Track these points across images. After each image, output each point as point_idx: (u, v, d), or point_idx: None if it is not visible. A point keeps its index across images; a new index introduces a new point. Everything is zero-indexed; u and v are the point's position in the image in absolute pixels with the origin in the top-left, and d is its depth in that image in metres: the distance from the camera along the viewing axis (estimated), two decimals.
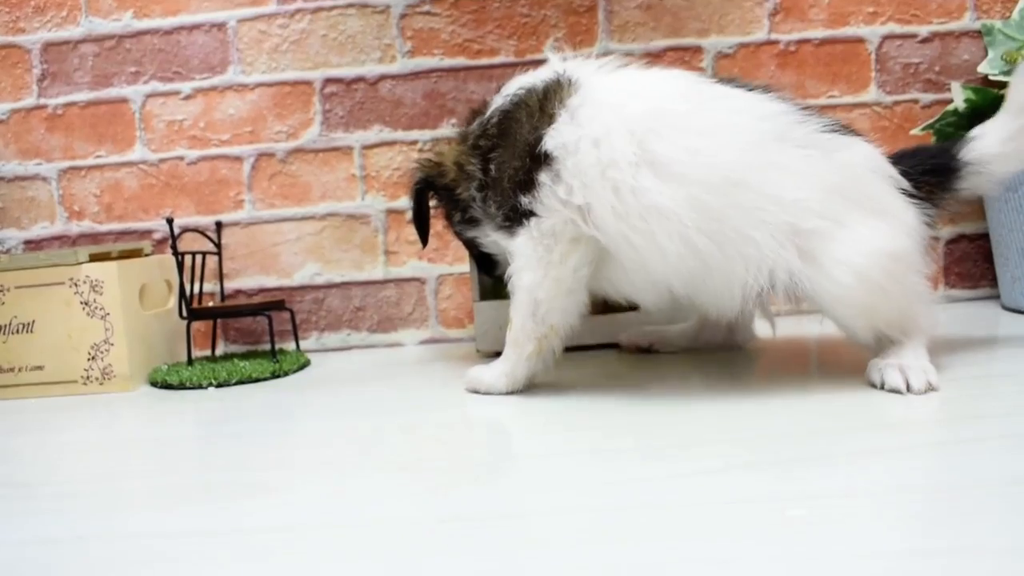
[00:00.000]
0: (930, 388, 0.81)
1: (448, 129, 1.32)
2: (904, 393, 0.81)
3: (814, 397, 0.84)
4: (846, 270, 0.82)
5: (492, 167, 0.93)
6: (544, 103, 0.90)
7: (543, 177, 0.87)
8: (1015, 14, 1.31)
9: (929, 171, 0.90)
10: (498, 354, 0.97)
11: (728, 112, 0.86)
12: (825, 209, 0.83)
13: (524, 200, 0.89)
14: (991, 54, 1.32)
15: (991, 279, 1.35)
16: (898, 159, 0.91)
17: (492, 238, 0.96)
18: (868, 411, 0.78)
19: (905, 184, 0.87)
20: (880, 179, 0.87)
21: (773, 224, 0.82)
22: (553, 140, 0.87)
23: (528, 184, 0.88)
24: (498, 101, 0.96)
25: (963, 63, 1.35)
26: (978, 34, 1.35)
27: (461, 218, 1.01)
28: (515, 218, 0.90)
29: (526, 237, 0.90)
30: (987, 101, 1.26)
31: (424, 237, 1.08)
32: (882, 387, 0.83)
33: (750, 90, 0.89)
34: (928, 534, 0.50)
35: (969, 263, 1.37)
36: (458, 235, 1.05)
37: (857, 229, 0.83)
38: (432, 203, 1.06)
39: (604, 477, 0.64)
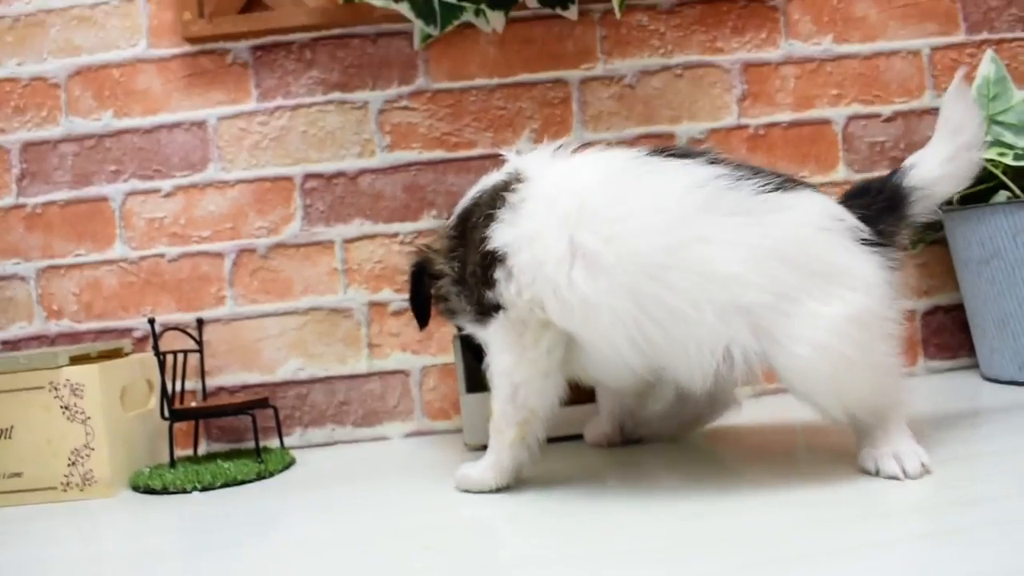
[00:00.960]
0: (925, 471, 0.82)
1: (429, 221, 1.34)
2: (902, 479, 0.81)
3: (804, 485, 0.84)
4: (803, 345, 0.79)
5: (459, 266, 0.95)
6: (493, 202, 0.92)
7: (498, 274, 0.89)
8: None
9: (884, 208, 0.88)
10: (486, 447, 0.96)
11: (651, 192, 0.84)
12: (766, 281, 0.80)
13: (489, 295, 0.90)
14: None
15: (969, 349, 1.36)
16: (850, 202, 0.88)
17: (468, 330, 0.97)
18: (861, 499, 0.78)
19: (865, 231, 0.84)
20: (830, 235, 0.83)
21: (714, 302, 0.80)
22: (498, 239, 0.89)
23: (488, 281, 0.90)
24: (462, 202, 0.99)
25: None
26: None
27: (444, 307, 1.02)
28: (485, 311, 0.92)
29: (497, 325, 0.91)
30: None
31: (424, 320, 1.06)
32: (877, 474, 0.83)
33: (688, 157, 0.87)
34: None
35: (947, 334, 1.39)
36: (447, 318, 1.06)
37: (808, 298, 0.80)
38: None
39: None
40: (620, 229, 0.83)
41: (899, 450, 0.83)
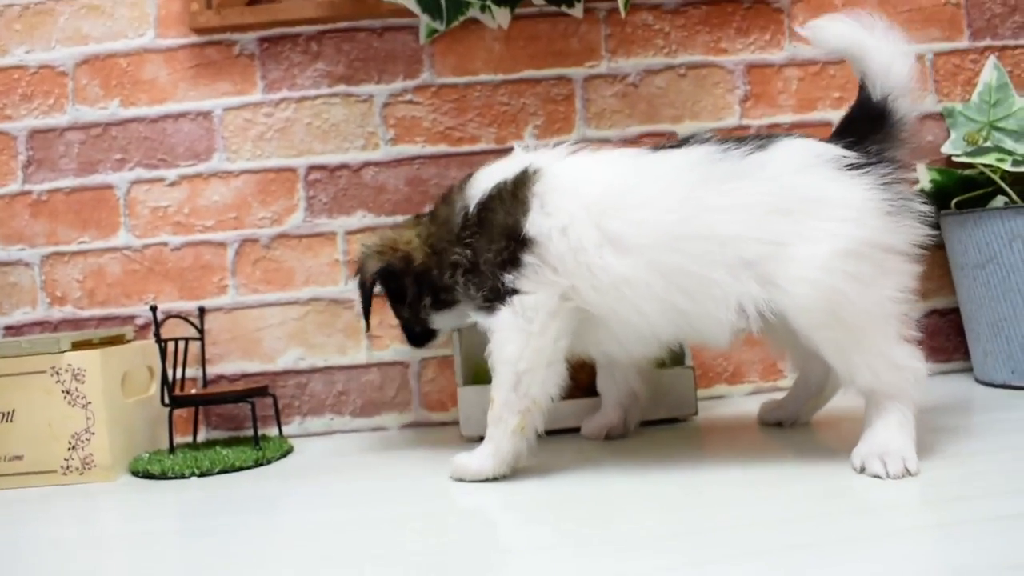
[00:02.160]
0: (906, 473, 0.82)
1: None
2: (883, 479, 0.82)
3: (796, 480, 0.85)
4: (800, 285, 0.85)
5: (472, 253, 0.98)
6: (516, 192, 0.97)
7: (528, 258, 0.93)
8: (974, 97, 1.37)
9: (866, 127, 0.92)
10: (483, 438, 0.97)
11: (659, 178, 0.93)
12: (764, 233, 0.87)
13: (508, 278, 0.94)
14: (953, 135, 1.37)
15: (963, 352, 1.37)
16: (840, 134, 0.93)
17: (473, 318, 0.99)
18: (852, 494, 0.79)
19: (849, 156, 0.88)
20: (812, 172, 0.88)
21: (723, 262, 0.88)
22: (532, 227, 0.94)
23: (513, 263, 0.94)
24: (473, 194, 1.01)
25: (927, 144, 1.40)
26: (940, 116, 1.40)
27: (433, 300, 1.06)
28: (496, 297, 0.95)
29: (507, 311, 0.94)
30: (952, 181, 1.31)
31: (369, 321, 1.12)
32: (863, 472, 0.85)
33: (681, 146, 0.95)
34: None
35: (941, 337, 1.40)
36: (412, 315, 1.10)
37: (801, 240, 0.85)
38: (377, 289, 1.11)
39: (592, 573, 0.64)
40: (639, 214, 0.91)
41: (887, 450, 0.84)
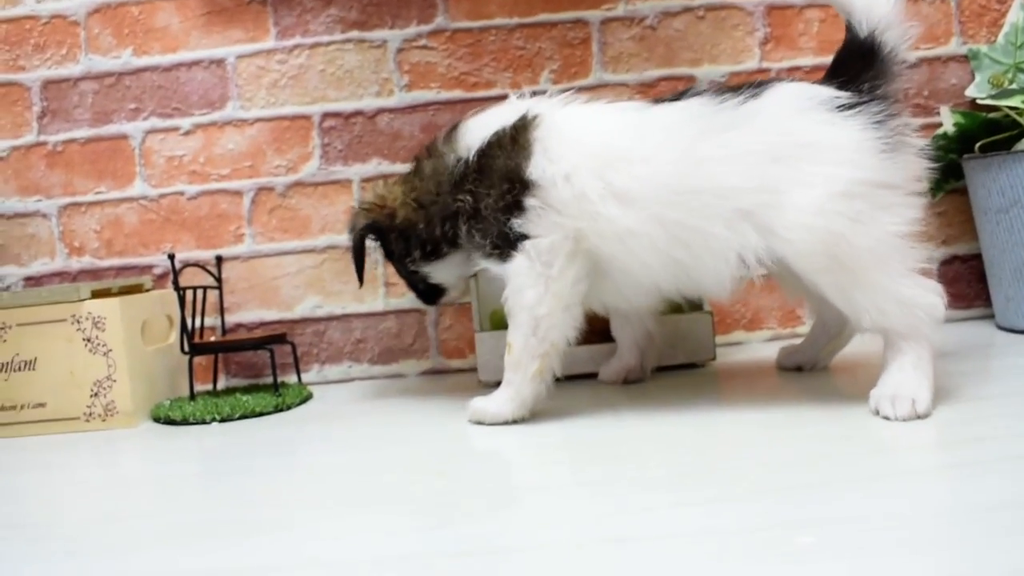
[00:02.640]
0: (914, 416, 0.82)
1: None
2: (891, 420, 0.82)
3: (812, 422, 0.85)
4: (797, 231, 0.85)
5: (473, 199, 0.97)
6: (517, 137, 0.96)
7: (532, 201, 0.93)
8: (1000, 38, 1.34)
9: (859, 66, 0.90)
10: (500, 384, 0.97)
11: (659, 130, 0.92)
12: (759, 182, 0.86)
13: (516, 223, 0.94)
14: (978, 78, 1.34)
15: (985, 299, 1.36)
16: (831, 75, 0.92)
17: (483, 265, 0.99)
18: (868, 436, 0.79)
19: (841, 96, 0.87)
20: (805, 115, 0.87)
21: (722, 214, 0.88)
22: (536, 170, 0.94)
23: (518, 207, 0.94)
24: (470, 142, 1.00)
25: (951, 87, 1.37)
26: (965, 59, 1.37)
27: (422, 253, 1.06)
28: (507, 244, 0.95)
29: (523, 257, 0.94)
30: (976, 124, 1.29)
31: (362, 277, 1.12)
32: (877, 414, 0.84)
33: (680, 98, 0.95)
34: (935, 559, 0.51)
35: (963, 284, 1.39)
36: (407, 271, 1.10)
37: (796, 186, 0.85)
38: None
39: (607, 509, 0.65)
40: (641, 169, 0.91)
41: (898, 392, 0.84)
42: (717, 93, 0.92)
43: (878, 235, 0.84)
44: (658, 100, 0.97)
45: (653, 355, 1.14)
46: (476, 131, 1.00)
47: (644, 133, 0.93)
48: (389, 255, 1.11)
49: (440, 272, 1.08)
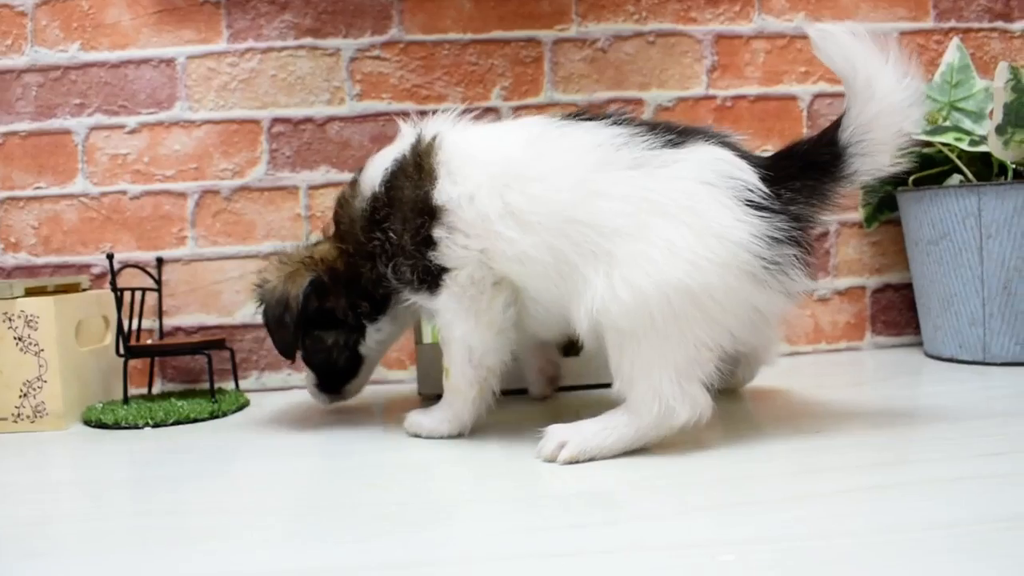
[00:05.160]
0: (550, 459, 0.83)
1: None
2: (536, 457, 0.84)
3: (741, 442, 0.86)
4: (627, 288, 0.80)
5: (393, 235, 0.95)
6: (420, 163, 0.94)
7: (439, 231, 0.91)
8: (936, 77, 1.39)
9: (805, 170, 0.83)
10: (439, 396, 0.98)
11: (561, 152, 0.87)
12: (639, 230, 0.81)
13: (432, 256, 0.92)
14: None
15: (915, 327, 1.40)
16: (779, 157, 0.86)
17: (414, 299, 0.96)
18: (795, 456, 0.81)
19: (757, 190, 0.81)
20: (709, 191, 0.81)
21: (597, 254, 0.83)
22: (441, 195, 0.91)
23: (429, 241, 0.91)
24: (374, 176, 0.98)
25: None
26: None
27: (371, 306, 1.03)
28: (430, 278, 0.93)
29: (449, 292, 0.92)
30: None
31: (295, 350, 1.05)
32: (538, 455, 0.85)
33: (594, 120, 0.89)
34: None
35: (895, 311, 1.43)
36: (326, 345, 1.04)
37: (659, 250, 0.80)
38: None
39: (536, 524, 0.65)
40: (538, 189, 0.86)
41: (555, 432, 0.84)
42: (635, 126, 0.87)
43: (685, 334, 0.80)
44: (570, 115, 0.92)
45: (558, 379, 1.17)
46: (377, 167, 0.98)
47: (545, 152, 0.88)
48: (323, 323, 1.03)
49: (380, 330, 1.04)
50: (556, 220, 0.85)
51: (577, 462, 0.82)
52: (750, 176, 0.82)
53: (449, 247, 0.90)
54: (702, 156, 0.83)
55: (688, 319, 0.80)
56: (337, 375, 1.07)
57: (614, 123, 0.88)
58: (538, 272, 0.88)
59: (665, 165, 0.83)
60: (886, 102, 0.80)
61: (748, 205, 0.80)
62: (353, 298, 1.02)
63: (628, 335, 0.81)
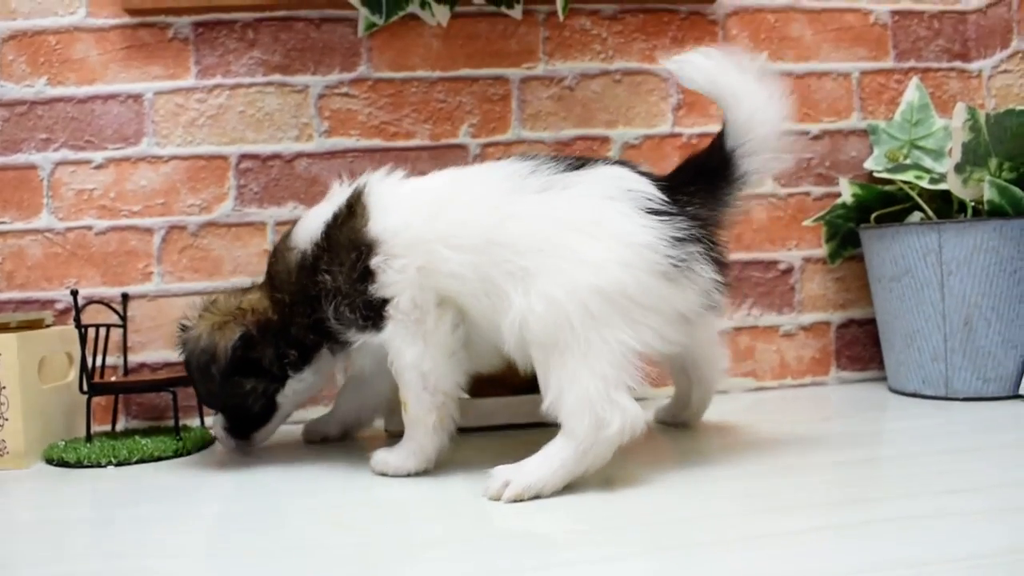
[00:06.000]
0: (495, 497, 0.83)
1: None
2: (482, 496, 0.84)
3: (701, 480, 0.87)
4: (541, 300, 0.84)
5: (331, 278, 0.97)
6: (354, 207, 0.99)
7: (376, 260, 0.94)
8: (897, 115, 1.42)
9: (699, 176, 0.90)
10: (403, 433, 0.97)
11: (477, 185, 0.94)
12: (550, 247, 0.86)
13: (372, 289, 0.94)
14: (876, 152, 1.42)
15: (879, 362, 1.42)
16: (677, 172, 0.94)
17: (361, 340, 0.98)
18: (756, 494, 0.81)
19: (654, 199, 0.87)
20: (611, 203, 0.87)
21: (514, 273, 0.87)
22: (375, 226, 0.96)
23: (367, 273, 0.94)
24: (312, 227, 1.01)
25: (851, 159, 1.45)
26: (864, 133, 1.45)
27: (299, 354, 1.03)
28: (373, 313, 0.95)
29: (394, 322, 0.94)
30: (872, 196, 1.36)
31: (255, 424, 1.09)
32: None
33: (503, 160, 0.98)
34: None
35: (859, 347, 1.45)
36: (244, 391, 1.04)
37: (569, 263, 0.84)
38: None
39: (504, 565, 0.65)
40: (461, 215, 0.92)
41: (500, 471, 0.85)
42: (545, 161, 0.93)
43: (607, 338, 0.83)
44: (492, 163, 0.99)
45: (357, 429, 1.21)
46: (313, 220, 1.02)
47: (463, 186, 0.96)
48: (247, 371, 1.03)
49: (302, 381, 1.05)
50: (478, 242, 0.90)
51: (521, 500, 0.82)
52: (648, 187, 0.89)
53: (386, 273, 0.94)
54: (602, 175, 0.90)
55: (606, 322, 0.83)
56: (249, 421, 1.08)
57: (521, 158, 0.96)
58: (471, 291, 0.91)
59: (569, 186, 0.90)
60: (753, 104, 0.89)
61: (649, 212, 0.86)
62: (282, 347, 1.03)
63: (550, 348, 0.84)
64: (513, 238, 0.88)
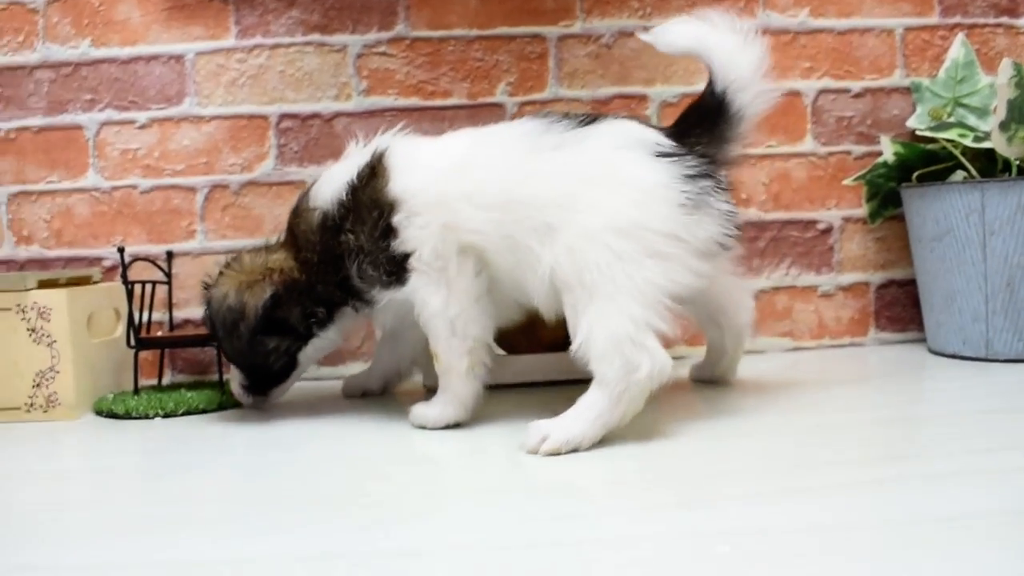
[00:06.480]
0: (534, 451, 0.84)
1: None
2: (521, 449, 0.85)
3: (740, 437, 0.87)
4: (565, 250, 0.88)
5: (355, 237, 1.00)
6: (375, 168, 1.01)
7: (398, 217, 0.97)
8: (941, 73, 1.39)
9: (699, 120, 0.95)
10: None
11: (495, 146, 0.97)
12: (569, 200, 0.90)
13: (394, 245, 0.97)
14: (919, 110, 1.39)
15: (919, 323, 1.41)
16: (678, 122, 0.98)
17: (386, 298, 1.00)
18: (794, 451, 0.82)
19: (663, 144, 0.91)
20: (622, 151, 0.91)
21: (537, 228, 0.91)
22: (395, 187, 0.99)
23: (392, 231, 0.97)
24: (336, 188, 1.03)
25: (893, 117, 1.42)
26: (907, 91, 1.42)
27: (327, 311, 1.06)
28: (397, 267, 0.98)
29: (416, 274, 0.97)
30: (914, 154, 1.34)
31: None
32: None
33: (516, 120, 1.01)
34: (848, 572, 0.53)
35: (898, 307, 1.44)
36: (267, 349, 1.06)
37: (587, 210, 0.88)
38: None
39: (536, 514, 0.67)
40: (482, 175, 0.96)
41: (540, 425, 0.85)
42: (557, 118, 0.96)
43: (633, 275, 0.86)
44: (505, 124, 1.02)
45: (396, 382, 1.23)
46: (335, 180, 1.04)
47: (482, 147, 0.98)
48: (274, 330, 1.05)
49: (325, 339, 1.08)
50: (501, 199, 0.93)
51: (560, 453, 0.83)
52: (656, 136, 0.93)
53: (408, 229, 0.97)
54: (612, 128, 0.94)
55: (631, 259, 0.86)
56: (269, 378, 1.10)
57: (533, 117, 0.99)
58: (495, 247, 0.95)
59: (581, 141, 0.93)
60: (729, 47, 0.94)
61: (659, 156, 0.91)
62: (309, 306, 1.05)
63: (579, 291, 0.87)
64: (533, 195, 0.92)
